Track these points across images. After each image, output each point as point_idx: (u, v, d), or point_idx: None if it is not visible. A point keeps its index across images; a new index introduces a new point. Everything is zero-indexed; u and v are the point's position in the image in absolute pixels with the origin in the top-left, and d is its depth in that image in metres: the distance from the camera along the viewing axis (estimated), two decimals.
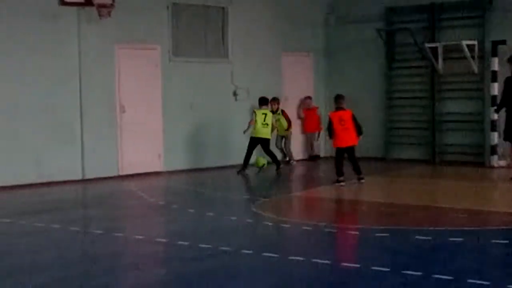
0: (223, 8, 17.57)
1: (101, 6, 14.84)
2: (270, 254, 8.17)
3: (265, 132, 16.16)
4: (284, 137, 17.96)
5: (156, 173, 16.16)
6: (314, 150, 19.05)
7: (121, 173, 15.69)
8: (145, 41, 16.18)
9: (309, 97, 19.06)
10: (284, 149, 18.04)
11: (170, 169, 16.38)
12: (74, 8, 14.91)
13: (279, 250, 8.43)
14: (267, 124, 16.15)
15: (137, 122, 15.94)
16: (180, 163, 16.59)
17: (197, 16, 17.16)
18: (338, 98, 14.52)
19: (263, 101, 16.50)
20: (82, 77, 15.10)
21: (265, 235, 9.70)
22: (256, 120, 16.10)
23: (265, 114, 16.20)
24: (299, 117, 19.04)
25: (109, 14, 14.91)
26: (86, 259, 8.50)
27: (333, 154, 14.89)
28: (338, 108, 14.29)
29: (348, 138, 14.03)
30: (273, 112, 16.91)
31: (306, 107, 19.00)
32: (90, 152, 15.17)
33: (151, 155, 16.21)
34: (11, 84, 14.12)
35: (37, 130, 14.45)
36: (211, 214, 11.02)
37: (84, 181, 14.98)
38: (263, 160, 16.42)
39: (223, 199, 12.93)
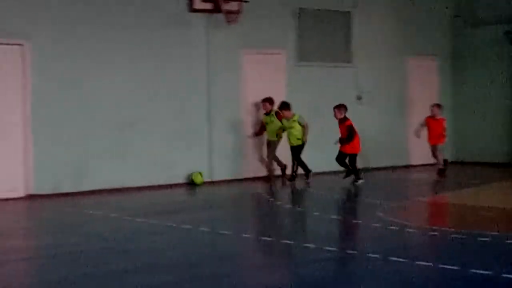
0: (347, 12, 17.61)
1: (229, 12, 15.22)
2: (397, 259, 8.15)
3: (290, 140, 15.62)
4: (270, 143, 15.99)
5: (282, 176, 16.32)
6: (439, 162, 16.96)
7: (246, 176, 15.99)
8: (271, 46, 16.44)
9: (437, 105, 17.03)
10: (267, 158, 16.18)
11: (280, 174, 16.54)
12: (203, 14, 15.34)
13: (406, 255, 8.40)
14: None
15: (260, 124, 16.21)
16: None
17: (322, 20, 17.28)
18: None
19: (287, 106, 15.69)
20: (210, 82, 15.51)
21: (391, 239, 9.67)
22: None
23: (295, 121, 15.55)
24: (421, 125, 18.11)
25: (236, 20, 15.25)
26: (213, 259, 8.73)
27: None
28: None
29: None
30: (266, 114, 15.89)
31: (431, 115, 17.33)
32: (217, 155, 15.55)
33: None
34: (142, 90, 14.63)
35: (166, 133, 14.93)
36: (335, 217, 11.08)
37: (210, 183, 15.35)
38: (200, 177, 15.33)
39: (347, 202, 12.97)
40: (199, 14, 15.31)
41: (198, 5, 15.16)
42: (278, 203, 13.02)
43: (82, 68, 14.01)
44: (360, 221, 10.68)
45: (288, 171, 15.87)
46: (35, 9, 13.53)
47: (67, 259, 8.58)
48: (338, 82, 17.47)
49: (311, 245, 9.00)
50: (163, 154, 14.87)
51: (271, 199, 13.57)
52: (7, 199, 13.12)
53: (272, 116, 15.77)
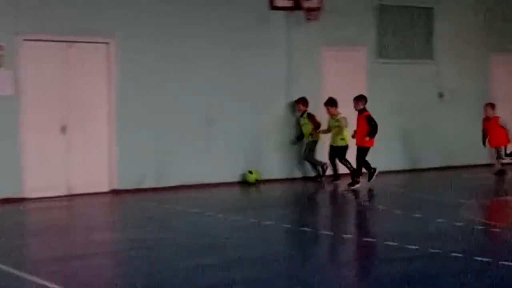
0: (430, 8, 17.39)
1: (309, 9, 15.24)
2: (482, 258, 8.05)
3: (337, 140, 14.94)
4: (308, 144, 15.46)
5: (364, 174, 16.26)
6: (497, 165, 16.03)
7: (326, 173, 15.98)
8: (351, 43, 16.38)
9: (490, 104, 16.09)
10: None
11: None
12: (283, 12, 15.40)
13: (490, 255, 8.29)
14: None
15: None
16: (383, 164, 16.58)
17: (403, 17, 17.11)
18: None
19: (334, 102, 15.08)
20: (290, 79, 15.57)
21: (475, 238, 9.55)
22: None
23: (338, 120, 14.94)
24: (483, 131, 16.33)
25: (316, 17, 15.25)
26: (295, 256, 8.78)
27: None
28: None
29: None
30: (300, 115, 15.30)
31: (485, 116, 16.14)
32: (298, 153, 15.60)
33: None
34: (223, 87, 14.75)
35: (246, 131, 15.03)
36: (418, 215, 11.00)
37: (293, 179, 15.41)
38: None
39: (429, 201, 12.83)
40: (279, 12, 15.37)
41: (279, 2, 15.22)
42: (354, 200, 12.99)
43: (164, 65, 14.22)
44: (443, 220, 10.56)
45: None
46: (121, 8, 13.81)
47: (153, 253, 8.77)
48: (419, 79, 17.27)
49: (394, 243, 8.97)
50: (242, 151, 14.95)
51: (348, 196, 13.54)
52: (92, 194, 13.45)
53: (305, 118, 15.25)
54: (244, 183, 14.85)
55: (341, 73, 16.24)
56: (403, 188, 14.51)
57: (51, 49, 13.26)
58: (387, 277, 7.62)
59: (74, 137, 13.44)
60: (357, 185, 14.00)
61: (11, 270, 7.78)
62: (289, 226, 10.47)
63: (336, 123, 14.84)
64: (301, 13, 15.40)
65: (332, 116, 14.96)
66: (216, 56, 14.76)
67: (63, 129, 13.33)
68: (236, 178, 14.92)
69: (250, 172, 14.85)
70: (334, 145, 14.79)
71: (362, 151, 14.29)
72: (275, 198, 13.67)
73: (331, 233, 9.90)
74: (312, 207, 12.66)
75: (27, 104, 12.98)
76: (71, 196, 13.26)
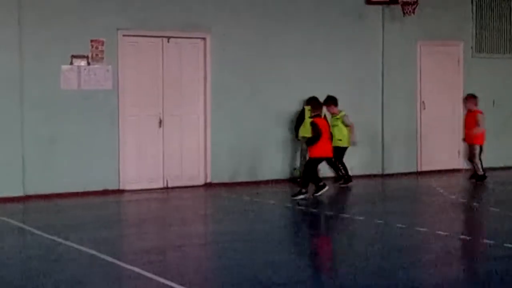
0: None
1: (405, 3, 15.06)
2: None
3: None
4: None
5: (455, 170, 16.02)
6: (475, 167, 14.51)
7: (419, 169, 15.80)
8: (448, 38, 16.12)
9: (471, 96, 14.65)
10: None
11: (467, 167, 16.13)
12: (379, 6, 15.30)
13: None
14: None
15: (437, 119, 15.96)
16: (485, 161, 16.27)
17: (502, 11, 16.71)
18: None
19: (333, 100, 13.97)
20: (385, 74, 15.45)
21: None
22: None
23: (338, 119, 13.88)
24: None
25: (413, 11, 15.07)
26: (389, 252, 8.74)
27: None
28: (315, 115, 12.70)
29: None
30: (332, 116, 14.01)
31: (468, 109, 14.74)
32: (389, 148, 15.47)
33: (450, 152, 16.12)
34: (316, 82, 14.74)
35: None
36: None
37: (383, 176, 15.31)
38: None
39: None
40: (375, 6, 15.27)
41: None
42: (452, 197, 12.79)
43: (258, 60, 14.33)
44: None
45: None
46: (218, 4, 14.00)
47: (247, 245, 8.90)
48: None
49: (490, 241, 8.82)
50: None
51: (444, 193, 13.35)
52: (188, 187, 13.70)
53: (337, 120, 14.00)
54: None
55: (437, 68, 16.00)
56: (499, 186, 14.19)
57: (149, 45, 13.56)
58: (482, 275, 7.50)
59: (171, 130, 13.72)
60: (323, 190, 12.50)
61: (110, 259, 8.04)
62: (381, 221, 10.42)
63: (336, 122, 13.84)
64: (397, 8, 15.24)
65: (333, 115, 13.94)
66: (310, 51, 14.76)
67: (160, 123, 13.62)
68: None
69: None
70: (334, 145, 13.33)
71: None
72: (381, 193, 13.60)
73: (425, 230, 9.78)
74: (410, 202, 12.53)
75: (126, 98, 13.32)
76: (167, 189, 13.55)
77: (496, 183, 14.50)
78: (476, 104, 14.46)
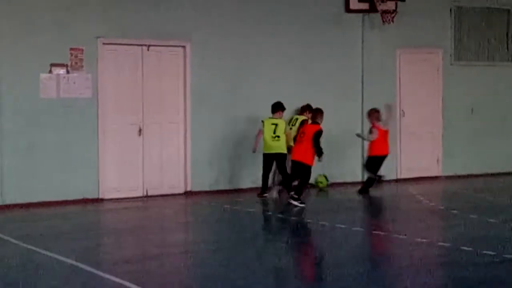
0: (507, 10, 17.08)
1: (384, 12, 15.15)
2: None
3: (276, 146, 13.55)
4: None
5: (434, 178, 16.11)
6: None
7: (399, 176, 15.87)
8: (427, 45, 16.22)
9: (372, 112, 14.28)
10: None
11: (448, 174, 16.25)
12: (359, 14, 15.36)
13: None
14: (279, 136, 13.51)
15: (417, 126, 16.04)
16: (459, 168, 16.39)
17: (480, 18, 16.84)
18: (316, 112, 13.18)
19: (276, 108, 13.72)
20: (365, 82, 15.50)
21: None
22: (263, 132, 13.64)
23: (276, 124, 13.56)
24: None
25: (392, 19, 15.16)
26: (368, 259, 8.77)
27: None
28: (313, 122, 13.10)
29: (295, 152, 12.87)
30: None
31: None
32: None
33: (430, 159, 16.20)
34: (297, 89, 14.78)
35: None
36: (493, 220, 10.84)
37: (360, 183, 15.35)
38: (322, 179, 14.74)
39: (504, 206, 12.62)
40: (355, 14, 15.33)
41: (354, 5, 15.18)
42: (432, 204, 12.87)
43: (238, 68, 14.35)
44: None
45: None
46: (197, 12, 13.99)
47: (226, 254, 8.88)
48: (497, 82, 16.96)
49: (468, 248, 8.86)
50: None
51: (423, 200, 13.42)
52: (167, 195, 13.67)
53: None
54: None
55: (416, 76, 16.09)
56: (478, 193, 14.29)
57: (129, 53, 13.55)
58: (460, 282, 7.54)
59: (150, 139, 13.69)
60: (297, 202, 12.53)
61: (89, 268, 7.99)
62: (361, 229, 10.45)
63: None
64: (376, 16, 15.32)
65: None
66: (292, 59, 14.80)
67: (140, 131, 13.59)
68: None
69: (324, 176, 14.80)
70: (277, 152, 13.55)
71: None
72: (357, 200, 13.65)
73: (404, 237, 9.83)
74: (390, 210, 12.59)
75: (106, 106, 13.28)
76: (147, 198, 13.52)
77: (476, 190, 14.60)
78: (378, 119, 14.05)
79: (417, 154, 16.01)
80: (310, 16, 15.02)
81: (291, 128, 13.85)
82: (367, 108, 15.39)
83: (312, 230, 10.83)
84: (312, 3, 15.05)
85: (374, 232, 10.19)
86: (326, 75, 15.15)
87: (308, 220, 11.34)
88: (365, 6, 15.22)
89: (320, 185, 14.77)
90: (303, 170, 12.67)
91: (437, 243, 9.43)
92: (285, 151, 13.52)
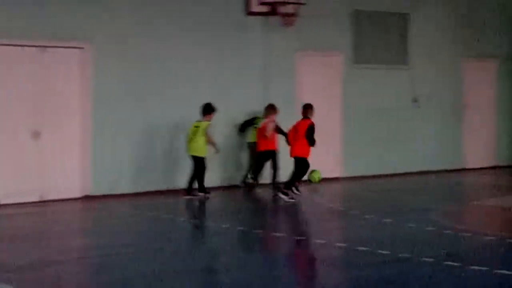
0: (405, 14, 17.51)
1: (285, 15, 15.29)
2: (452, 263, 8.11)
3: (192, 149, 13.73)
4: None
5: (335, 179, 16.34)
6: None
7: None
8: (326, 49, 16.45)
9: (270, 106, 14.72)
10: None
11: (349, 175, 16.53)
12: (260, 17, 15.44)
13: (460, 259, 8.36)
14: (196, 139, 13.63)
15: (317, 128, 16.15)
16: (359, 169, 16.69)
17: (379, 22, 17.21)
18: (306, 108, 13.62)
19: (206, 110, 13.85)
20: (266, 84, 15.59)
21: (446, 243, 9.62)
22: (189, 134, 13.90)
23: (197, 127, 13.69)
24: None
25: (293, 23, 15.31)
26: (266, 261, 8.80)
27: None
28: (304, 117, 13.55)
29: (292, 149, 13.50)
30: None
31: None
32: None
33: (331, 161, 16.43)
34: (198, 91, 14.73)
35: (219, 136, 15.01)
36: (389, 220, 11.06)
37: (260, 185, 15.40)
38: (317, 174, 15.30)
39: (401, 206, 12.91)
40: (255, 17, 15.41)
41: (255, 8, 15.25)
42: (331, 205, 13.05)
43: (140, 69, 14.21)
44: (414, 225, 10.63)
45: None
46: (96, 13, 13.77)
47: (126, 259, 8.76)
48: (394, 85, 17.38)
49: (364, 248, 9.01)
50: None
51: (322, 201, 13.60)
52: (65, 200, 13.39)
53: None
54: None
55: (316, 79, 16.30)
56: (376, 194, 14.59)
57: (24, 54, 13.19)
58: (357, 282, 7.65)
59: (48, 142, 13.37)
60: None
61: None
62: (243, 228, 10.48)
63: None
64: (277, 19, 15.44)
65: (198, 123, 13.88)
66: (192, 61, 14.75)
67: (37, 134, 13.26)
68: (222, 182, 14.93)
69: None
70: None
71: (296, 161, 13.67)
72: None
73: (303, 238, 9.92)
74: (289, 212, 12.68)
75: (0, 110, 12.91)
76: (44, 202, 13.19)
77: (375, 191, 14.89)
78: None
79: (318, 155, 16.14)
80: (212, 19, 15.00)
81: (255, 128, 14.61)
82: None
83: (207, 233, 10.78)
84: (214, 6, 15.04)
85: (273, 234, 10.25)
86: (228, 77, 15.17)
87: (205, 223, 11.30)
88: (266, 9, 15.31)
89: (313, 180, 15.08)
90: (299, 163, 13.19)
91: (334, 243, 9.55)
92: (199, 154, 13.60)
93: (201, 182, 13.74)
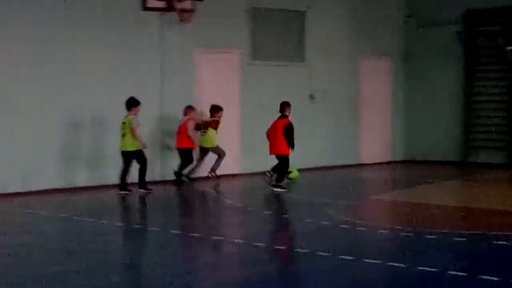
0: (302, 12, 17.69)
1: (182, 11, 15.17)
2: (346, 257, 8.22)
3: (122, 144, 13.76)
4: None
5: (233, 175, 16.35)
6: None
7: (201, 174, 15.94)
8: (225, 45, 16.43)
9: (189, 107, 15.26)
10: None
11: (247, 171, 16.56)
12: (157, 13, 15.27)
13: (355, 253, 8.48)
14: (124, 135, 13.67)
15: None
16: (257, 165, 16.73)
17: (276, 20, 17.32)
18: (283, 106, 14.32)
19: (130, 104, 13.83)
20: (163, 80, 15.44)
21: (341, 237, 9.75)
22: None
23: (124, 123, 13.75)
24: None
25: (190, 19, 15.22)
26: (163, 260, 8.71)
27: None
28: (281, 116, 14.25)
29: (272, 146, 14.22)
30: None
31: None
32: (166, 155, 15.47)
33: (229, 158, 16.38)
34: (95, 88, 14.48)
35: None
36: (287, 216, 11.14)
37: (164, 182, 15.27)
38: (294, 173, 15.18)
39: (298, 201, 13.02)
40: (152, 13, 15.22)
41: (151, 3, 15.06)
42: (229, 201, 13.04)
43: (36, 67, 13.81)
44: (311, 220, 10.73)
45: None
46: None
47: (17, 259, 8.49)
48: (292, 81, 17.54)
49: (261, 244, 9.03)
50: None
51: (221, 197, 13.58)
52: None
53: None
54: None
55: (215, 75, 16.26)
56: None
57: None
58: (252, 278, 7.65)
59: None
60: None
61: None
62: (155, 228, 10.38)
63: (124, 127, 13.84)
64: (174, 15, 15.30)
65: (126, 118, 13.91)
66: (87, 58, 14.43)
67: None
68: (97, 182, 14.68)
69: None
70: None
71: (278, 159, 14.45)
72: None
73: (199, 235, 9.86)
74: (190, 208, 12.61)
75: None
76: None
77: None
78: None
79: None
80: (107, 14, 14.72)
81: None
82: (166, 107, 15.40)
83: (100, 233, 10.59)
84: (109, 1, 14.76)
85: (172, 232, 10.14)
86: (124, 74, 14.91)
87: (103, 222, 11.08)
88: (162, 4, 15.15)
89: (291, 176, 14.97)
90: (280, 160, 14.03)
91: (231, 240, 9.53)
92: (129, 149, 13.63)
93: (142, 177, 13.78)
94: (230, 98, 16.39)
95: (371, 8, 19.05)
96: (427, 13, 19.39)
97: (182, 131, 14.96)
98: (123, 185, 13.75)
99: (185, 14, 15.29)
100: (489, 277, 7.28)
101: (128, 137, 13.64)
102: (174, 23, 15.39)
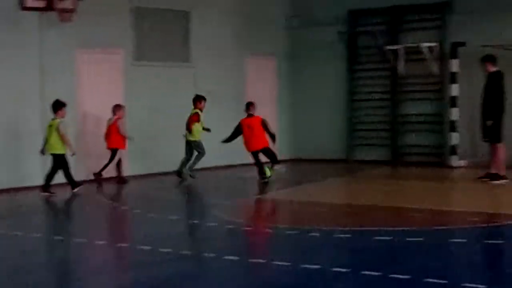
0: (186, 12, 17.59)
1: (63, 10, 14.77)
2: (231, 257, 8.20)
3: (50, 147, 13.71)
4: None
5: (118, 178, 16.06)
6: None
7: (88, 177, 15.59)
8: (107, 45, 16.13)
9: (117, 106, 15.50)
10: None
11: (133, 173, 16.30)
12: (35, 12, 14.81)
13: (240, 253, 8.47)
14: (49, 137, 13.64)
15: (97, 126, 15.84)
16: (143, 167, 16.56)
17: (160, 20, 17.15)
18: (249, 105, 15.59)
19: (56, 106, 13.73)
20: (44, 83, 14.99)
21: (226, 238, 9.74)
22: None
23: (51, 126, 13.67)
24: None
25: (71, 18, 14.85)
26: (49, 266, 8.47)
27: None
28: (249, 115, 15.43)
29: (255, 142, 15.30)
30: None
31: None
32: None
33: (125, 160, 16.10)
34: None
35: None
36: (173, 218, 11.03)
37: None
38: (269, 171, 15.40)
39: (185, 203, 12.96)
40: (30, 12, 14.74)
41: (30, 3, 14.55)
42: (114, 205, 12.82)
43: None
44: (196, 221, 10.69)
45: None
46: None
47: None
48: (177, 81, 17.41)
49: (146, 247, 8.89)
50: None
51: (107, 201, 13.34)
52: None
53: None
54: None
55: (97, 76, 15.91)
56: (161, 192, 14.52)
57: None
58: (137, 282, 7.53)
59: None
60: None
61: None
62: (40, 235, 10.08)
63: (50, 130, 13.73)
64: (54, 14, 14.87)
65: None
66: None
67: None
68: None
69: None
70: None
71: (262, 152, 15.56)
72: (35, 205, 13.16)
73: (84, 240, 9.63)
74: (70, 213, 12.30)
75: None
76: None
77: (159, 189, 14.84)
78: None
79: (98, 154, 15.76)
80: None
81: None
82: (47, 109, 14.95)
83: None
84: None
85: (55, 238, 9.87)
86: (5, 74, 14.40)
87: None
88: (41, 4, 14.66)
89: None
90: (265, 153, 15.31)
91: (116, 244, 9.36)
92: (57, 152, 13.53)
93: (69, 177, 13.67)
94: (114, 99, 16.05)
95: (256, 8, 19.14)
96: (311, 13, 19.66)
97: (112, 131, 15.15)
98: (46, 186, 13.54)
99: (65, 13, 14.87)
100: (370, 272, 7.41)
101: (53, 140, 13.47)
102: (54, 23, 14.97)
